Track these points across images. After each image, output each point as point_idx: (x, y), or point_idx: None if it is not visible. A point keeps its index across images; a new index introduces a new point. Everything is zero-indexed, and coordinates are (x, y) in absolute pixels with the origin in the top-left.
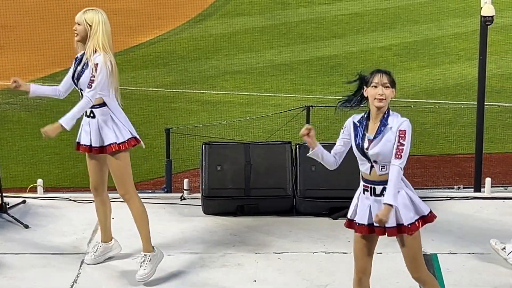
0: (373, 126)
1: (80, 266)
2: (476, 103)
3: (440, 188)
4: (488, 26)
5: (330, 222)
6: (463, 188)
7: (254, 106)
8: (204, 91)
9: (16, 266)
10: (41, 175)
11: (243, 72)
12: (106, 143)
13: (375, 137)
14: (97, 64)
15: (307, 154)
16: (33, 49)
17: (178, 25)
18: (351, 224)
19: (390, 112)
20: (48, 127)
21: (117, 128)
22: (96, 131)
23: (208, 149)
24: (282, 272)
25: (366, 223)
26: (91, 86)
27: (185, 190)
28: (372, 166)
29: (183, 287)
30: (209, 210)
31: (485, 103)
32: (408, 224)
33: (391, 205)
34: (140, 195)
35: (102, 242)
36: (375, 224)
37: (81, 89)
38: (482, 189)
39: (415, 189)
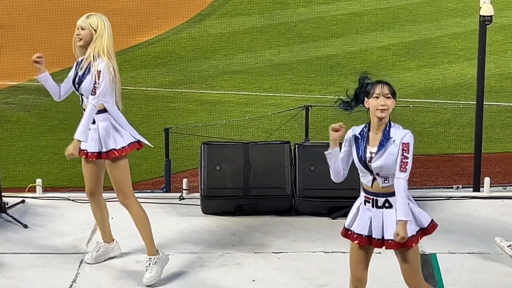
0: (374, 137)
1: (79, 265)
2: (475, 102)
3: (439, 188)
4: (487, 26)
5: (329, 222)
6: (462, 187)
7: (253, 106)
8: (203, 91)
9: (15, 266)
10: (40, 175)
11: (242, 72)
12: (105, 149)
13: (378, 150)
14: (100, 71)
15: (325, 152)
16: (31, 49)
17: (177, 25)
18: (347, 233)
19: (392, 123)
20: (70, 148)
21: (117, 134)
22: (95, 136)
23: (207, 149)
24: (281, 272)
25: (365, 234)
26: (95, 93)
27: (184, 189)
28: (374, 179)
29: (182, 287)
30: (208, 209)
31: (484, 103)
32: (410, 237)
33: (405, 222)
34: (139, 194)
35: (104, 242)
36: (373, 236)
37: (82, 94)
38: (481, 189)
39: (414, 189)
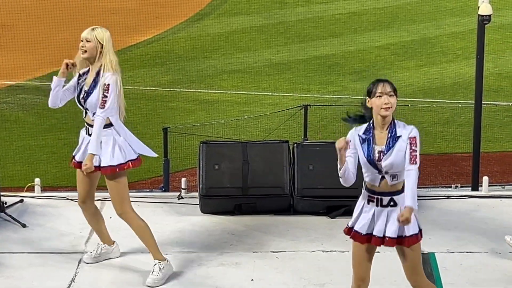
0: (380, 136)
1: (78, 265)
2: (473, 102)
3: (438, 187)
4: (486, 25)
5: (327, 221)
6: (461, 187)
7: (252, 105)
8: (202, 90)
9: (14, 265)
10: (39, 174)
11: (241, 71)
12: (102, 164)
13: (387, 148)
14: (108, 84)
15: (339, 172)
16: (30, 49)
17: (176, 25)
18: (350, 232)
19: (395, 121)
20: (87, 163)
21: (118, 150)
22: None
23: (206, 148)
24: (279, 271)
25: (364, 232)
26: (104, 106)
27: (183, 189)
28: (383, 177)
29: (181, 286)
30: (206, 209)
31: (483, 102)
32: (409, 236)
33: (412, 208)
34: (138, 194)
35: (104, 243)
36: (374, 234)
37: (87, 109)
38: (479, 188)
39: None
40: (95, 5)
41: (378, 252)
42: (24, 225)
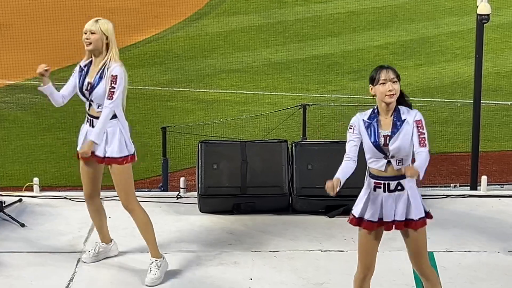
0: (385, 121)
1: (77, 264)
2: (472, 101)
3: (437, 186)
4: (484, 25)
5: (326, 220)
6: (460, 186)
7: (251, 105)
8: (201, 90)
9: (13, 265)
10: (38, 174)
11: (240, 71)
12: (110, 156)
13: (393, 132)
14: (116, 75)
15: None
16: (29, 48)
17: (175, 24)
18: (359, 222)
19: (399, 106)
20: (83, 147)
21: (124, 141)
22: (102, 142)
23: (204, 148)
24: (278, 270)
25: (376, 219)
26: (112, 97)
27: (182, 188)
28: (388, 162)
29: (180, 286)
30: (205, 208)
31: (481, 102)
32: (417, 219)
33: (418, 170)
34: (137, 193)
35: (102, 242)
36: (384, 220)
37: (91, 101)
38: (478, 187)
39: None
40: (93, 4)
41: (377, 251)
42: (22, 225)
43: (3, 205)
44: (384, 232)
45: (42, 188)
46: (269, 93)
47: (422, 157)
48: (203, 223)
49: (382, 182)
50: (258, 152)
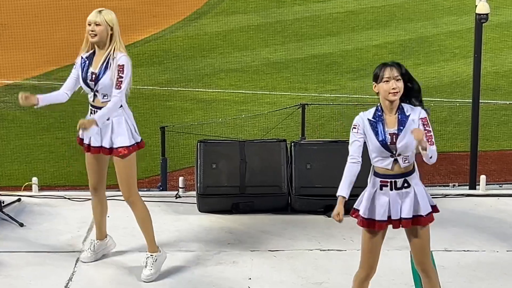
0: (390, 119)
1: (76, 264)
2: (471, 101)
3: (436, 186)
4: (483, 24)
5: (325, 220)
6: (458, 185)
7: (249, 104)
8: (199, 89)
9: (11, 265)
10: (36, 174)
11: (238, 70)
12: (116, 146)
13: (399, 130)
14: (123, 65)
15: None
16: (27, 48)
17: (173, 24)
18: (368, 223)
19: (402, 104)
20: (85, 120)
21: (130, 131)
22: (108, 132)
23: (203, 147)
24: (277, 270)
25: (386, 218)
26: (121, 87)
27: (180, 188)
28: (395, 160)
29: (178, 285)
30: (204, 208)
31: (480, 101)
32: (425, 215)
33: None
34: None
35: (97, 239)
36: (392, 218)
37: (96, 91)
38: (477, 187)
39: None
40: (92, 4)
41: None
42: (21, 224)
43: (2, 204)
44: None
45: (41, 188)
46: (268, 92)
47: (432, 149)
48: (202, 222)
49: (389, 180)
50: (257, 151)
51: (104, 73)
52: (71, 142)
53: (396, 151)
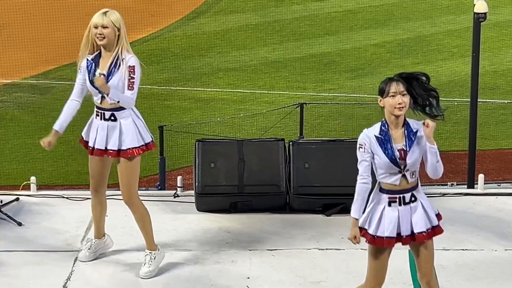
0: (396, 134)
1: (74, 263)
2: (469, 100)
3: (434, 185)
4: (481, 23)
5: (323, 219)
6: (457, 184)
7: (248, 104)
8: (198, 89)
9: (10, 264)
10: (35, 173)
11: (237, 70)
12: (125, 147)
13: (408, 146)
14: (133, 66)
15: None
16: (26, 47)
17: (172, 23)
18: (377, 240)
19: (406, 118)
20: (100, 79)
21: (138, 132)
22: (116, 134)
23: (202, 146)
24: (275, 269)
25: (395, 234)
26: (133, 87)
27: (179, 187)
28: (403, 176)
29: (177, 284)
30: (202, 207)
31: (478, 100)
32: (436, 225)
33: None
34: None
35: (95, 238)
36: (402, 234)
37: (103, 92)
38: (475, 186)
39: None
40: (90, 3)
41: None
42: (20, 224)
43: (0, 204)
44: None
45: (39, 187)
46: (266, 91)
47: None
48: (200, 222)
49: (397, 196)
50: (255, 150)
51: (113, 74)
52: (70, 141)
53: (405, 167)
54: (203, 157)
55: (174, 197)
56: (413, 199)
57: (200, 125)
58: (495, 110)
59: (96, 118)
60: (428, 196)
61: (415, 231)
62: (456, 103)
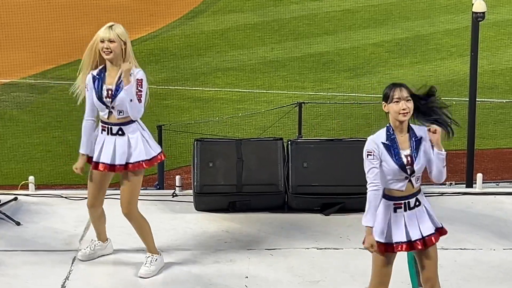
0: (402, 140)
1: (72, 263)
2: (467, 99)
3: (432, 184)
4: (480, 22)
5: (322, 218)
6: (455, 184)
7: (246, 103)
8: (196, 88)
9: (8, 263)
10: (33, 172)
11: (235, 69)
12: (134, 160)
13: (415, 152)
14: (141, 79)
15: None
16: (25, 46)
17: (170, 22)
18: (388, 248)
19: (409, 124)
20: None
21: (147, 144)
22: (124, 149)
23: (200, 146)
24: (274, 268)
25: (405, 239)
26: (141, 100)
27: (177, 186)
28: (409, 181)
29: (175, 284)
30: (201, 206)
31: (477, 99)
32: (441, 227)
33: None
34: None
35: (99, 240)
36: (412, 239)
37: (112, 108)
38: (473, 185)
39: None
40: (89, 3)
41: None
42: (18, 223)
43: None
44: None
45: (38, 187)
46: (264, 91)
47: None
48: (199, 221)
49: (403, 202)
50: (253, 150)
51: (120, 89)
52: (68, 141)
53: (412, 173)
54: (201, 157)
55: (173, 197)
56: (417, 203)
57: (199, 125)
58: (493, 109)
59: (102, 133)
60: (426, 196)
61: (424, 234)
62: (454, 103)
